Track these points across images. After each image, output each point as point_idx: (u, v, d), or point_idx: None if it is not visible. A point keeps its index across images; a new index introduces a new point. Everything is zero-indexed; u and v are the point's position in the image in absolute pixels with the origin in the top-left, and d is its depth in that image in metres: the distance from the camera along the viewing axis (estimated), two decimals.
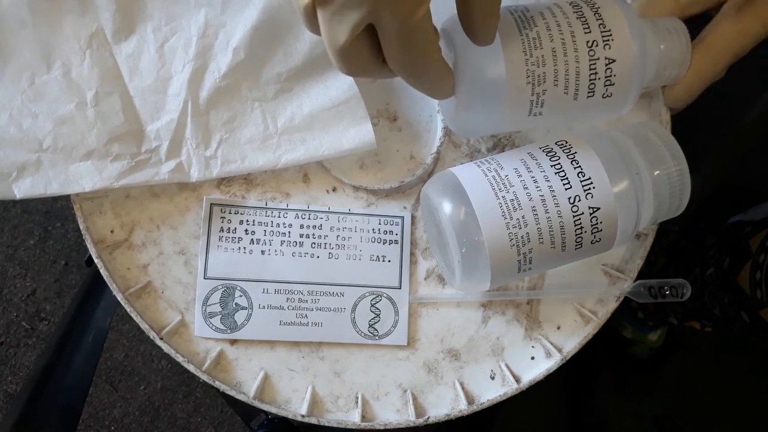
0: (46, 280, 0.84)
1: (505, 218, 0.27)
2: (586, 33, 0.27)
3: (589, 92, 0.28)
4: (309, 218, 0.33)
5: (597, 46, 0.27)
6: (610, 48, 0.27)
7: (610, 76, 0.28)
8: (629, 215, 0.28)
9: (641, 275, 0.34)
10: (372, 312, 0.33)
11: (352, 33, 0.22)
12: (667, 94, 0.33)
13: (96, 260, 0.32)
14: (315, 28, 0.23)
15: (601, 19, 0.28)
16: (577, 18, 0.27)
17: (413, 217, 0.34)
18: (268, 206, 0.33)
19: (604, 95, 0.28)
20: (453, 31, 0.28)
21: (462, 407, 0.33)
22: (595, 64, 0.27)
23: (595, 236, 0.28)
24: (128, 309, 0.32)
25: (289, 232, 0.33)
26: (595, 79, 0.28)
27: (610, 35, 0.27)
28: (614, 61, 0.28)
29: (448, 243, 0.29)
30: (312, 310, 0.33)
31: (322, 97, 0.32)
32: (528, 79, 0.27)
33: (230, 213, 0.33)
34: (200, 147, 0.32)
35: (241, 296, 0.33)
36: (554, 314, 0.34)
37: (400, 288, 0.33)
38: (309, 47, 0.32)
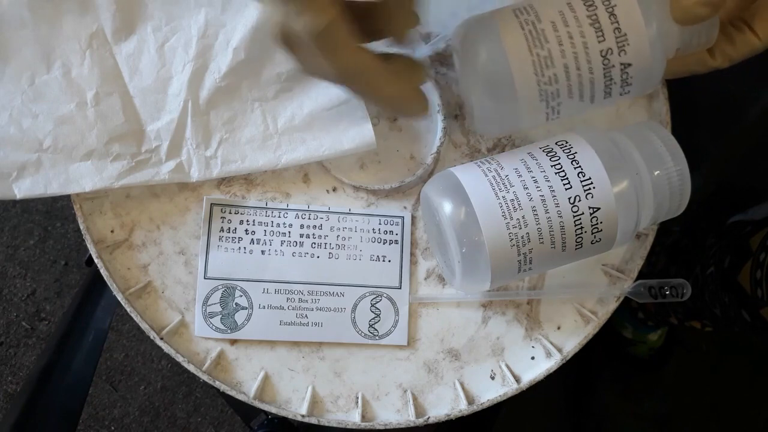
0: (46, 280, 0.83)
1: (506, 218, 0.27)
2: (599, 41, 0.27)
3: (605, 94, 0.28)
4: (309, 218, 0.33)
5: (611, 49, 0.27)
6: (625, 54, 0.27)
7: (627, 74, 0.28)
8: (629, 215, 0.28)
9: (642, 275, 0.34)
10: (372, 312, 0.33)
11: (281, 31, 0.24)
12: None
13: (96, 260, 0.32)
14: None
15: (612, 10, 0.27)
16: (588, 17, 0.27)
17: (413, 217, 0.34)
18: (268, 206, 0.33)
19: (622, 93, 0.28)
20: (455, 41, 0.28)
21: (462, 407, 0.32)
22: (609, 71, 0.28)
23: (595, 236, 0.28)
24: (128, 309, 0.32)
25: (290, 232, 0.33)
26: (610, 82, 0.28)
27: (625, 36, 0.27)
28: (630, 64, 0.28)
29: (448, 243, 0.29)
30: (312, 310, 0.33)
31: (322, 97, 0.32)
32: (533, 57, 0.27)
33: (230, 213, 0.33)
34: (200, 147, 0.32)
35: (241, 296, 0.33)
36: (554, 314, 0.34)
37: (400, 288, 0.33)
38: None
